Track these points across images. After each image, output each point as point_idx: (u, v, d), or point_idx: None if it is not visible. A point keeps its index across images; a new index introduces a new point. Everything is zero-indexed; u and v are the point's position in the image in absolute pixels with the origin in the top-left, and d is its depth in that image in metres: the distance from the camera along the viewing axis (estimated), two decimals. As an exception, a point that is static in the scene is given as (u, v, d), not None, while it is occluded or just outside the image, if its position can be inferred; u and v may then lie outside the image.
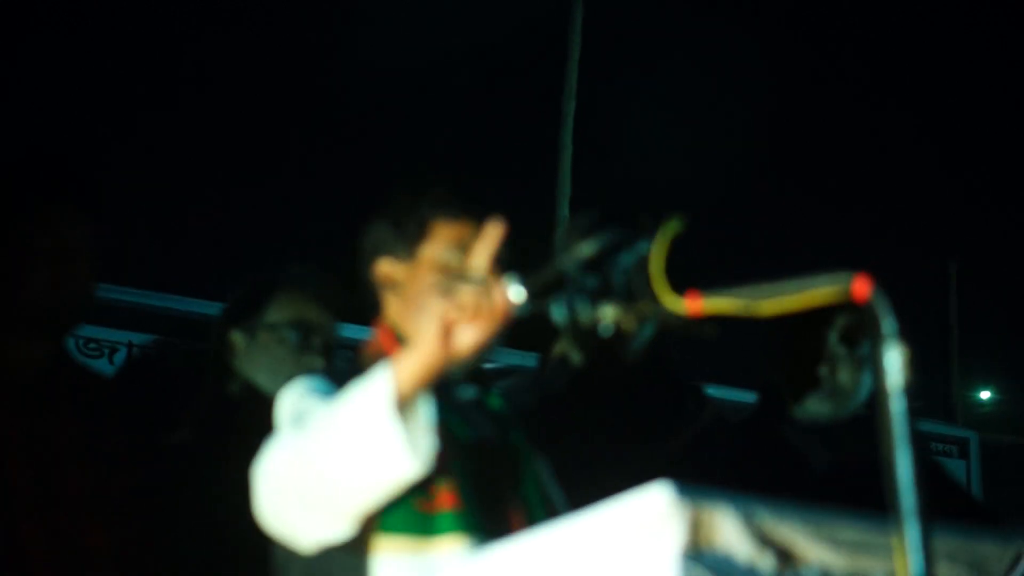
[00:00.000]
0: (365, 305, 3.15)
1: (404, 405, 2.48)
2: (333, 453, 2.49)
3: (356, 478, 2.50)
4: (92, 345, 4.25)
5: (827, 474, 3.96)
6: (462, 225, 3.03)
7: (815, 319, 4.04)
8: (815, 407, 4.06)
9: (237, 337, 3.81)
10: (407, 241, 3.04)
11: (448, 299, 2.44)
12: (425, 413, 2.52)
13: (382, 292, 3.09)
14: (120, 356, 4.26)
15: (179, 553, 3.44)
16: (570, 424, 3.68)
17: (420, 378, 2.46)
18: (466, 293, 2.45)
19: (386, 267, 3.07)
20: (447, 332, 2.44)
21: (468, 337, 2.46)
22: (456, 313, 2.44)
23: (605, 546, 2.09)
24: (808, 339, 4.07)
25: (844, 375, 4.05)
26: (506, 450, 3.00)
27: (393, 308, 3.08)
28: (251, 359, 3.79)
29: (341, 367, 3.05)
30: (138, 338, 4.30)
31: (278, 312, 3.80)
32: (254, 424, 3.62)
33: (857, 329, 4.06)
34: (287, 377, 3.60)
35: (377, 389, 2.46)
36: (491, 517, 2.82)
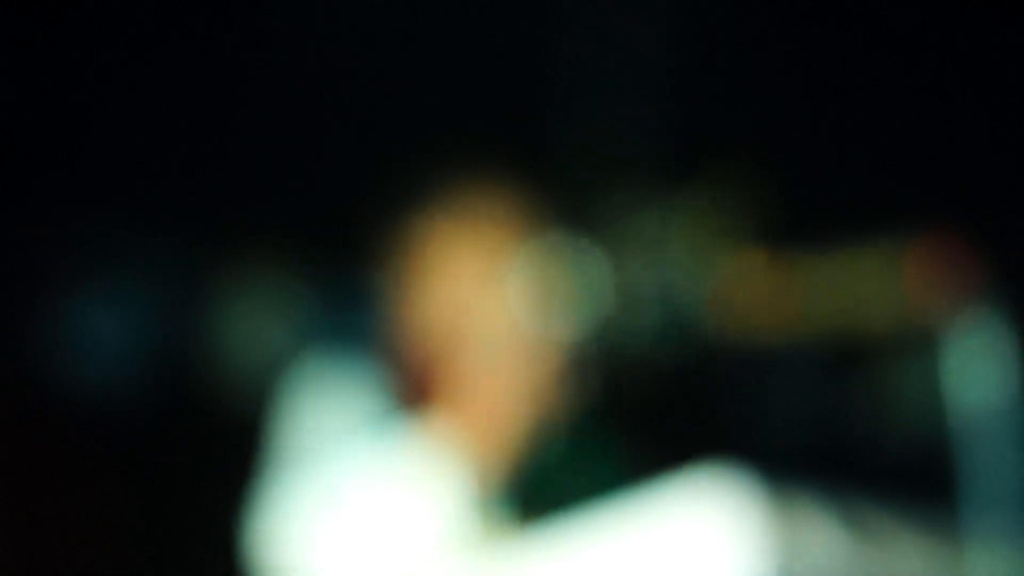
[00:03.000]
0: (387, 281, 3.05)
1: None
2: None
3: None
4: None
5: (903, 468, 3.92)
6: (482, 182, 2.93)
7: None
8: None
9: (222, 302, 3.72)
10: (430, 208, 2.93)
11: None
12: None
13: (406, 264, 2.98)
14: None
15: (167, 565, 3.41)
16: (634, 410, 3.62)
17: None
18: None
19: (410, 236, 2.96)
20: None
21: None
22: None
23: (677, 533, 2.04)
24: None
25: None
26: (574, 443, 2.92)
27: (420, 280, 2.95)
28: (238, 324, 3.72)
29: (375, 385, 2.95)
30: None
31: (261, 275, 3.72)
32: (239, 428, 3.57)
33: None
34: (275, 343, 3.58)
35: None
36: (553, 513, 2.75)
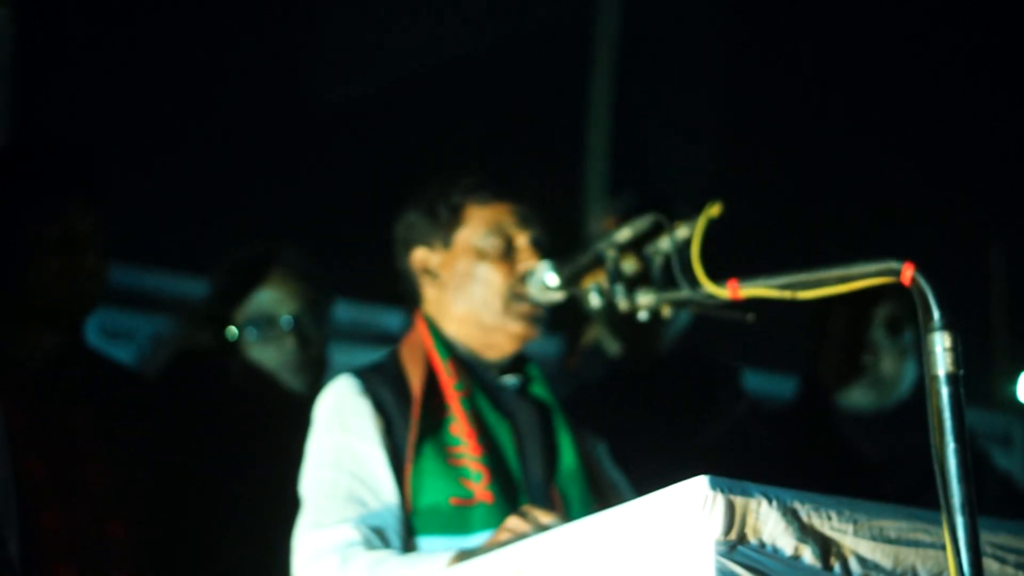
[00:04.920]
0: (402, 292, 3.12)
1: None
2: None
3: None
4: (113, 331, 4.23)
5: (880, 467, 3.90)
6: (496, 208, 3.00)
7: (858, 307, 3.98)
8: (858, 397, 4.00)
9: (234, 330, 3.69)
10: (442, 228, 3.01)
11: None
12: None
13: (419, 280, 3.06)
14: (142, 340, 4.21)
15: (197, 544, 3.43)
16: (606, 415, 3.63)
17: None
18: (519, 524, 2.61)
19: (422, 256, 3.04)
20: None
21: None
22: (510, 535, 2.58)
23: (641, 537, 2.07)
24: (851, 328, 4.01)
25: (887, 364, 3.99)
26: (544, 439, 2.97)
27: (431, 296, 3.04)
28: (253, 351, 3.69)
29: (383, 365, 3.02)
30: (160, 322, 4.24)
31: (277, 303, 3.70)
32: (266, 414, 3.62)
33: (901, 317, 4.00)
34: (294, 368, 3.62)
35: None
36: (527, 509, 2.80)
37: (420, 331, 3.00)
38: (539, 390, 3.04)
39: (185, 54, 4.48)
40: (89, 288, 3.31)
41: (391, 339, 3.40)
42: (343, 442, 2.86)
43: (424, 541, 2.80)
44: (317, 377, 3.65)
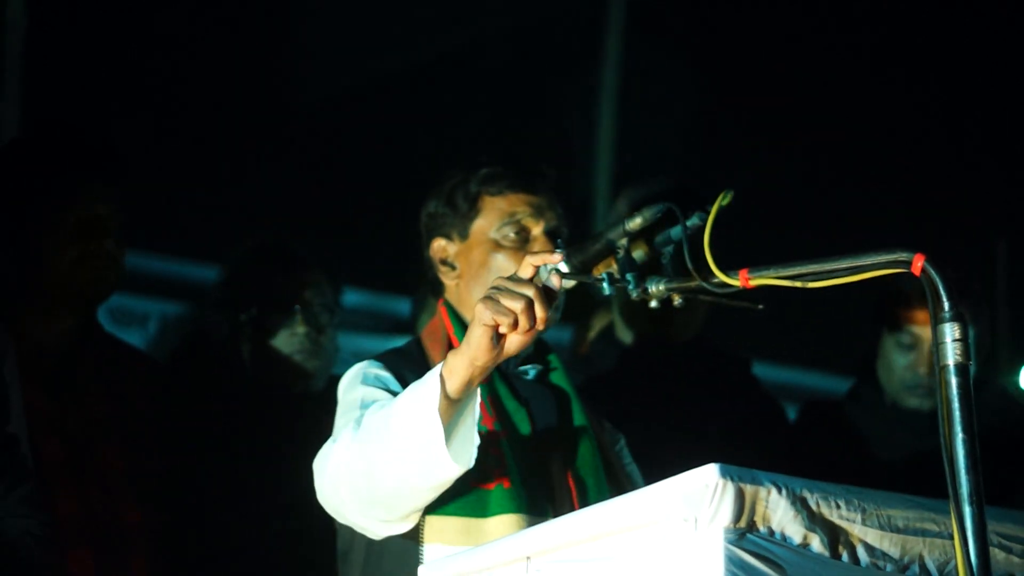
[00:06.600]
0: (428, 280, 3.15)
1: (453, 406, 2.54)
2: (383, 458, 2.59)
3: (404, 481, 2.59)
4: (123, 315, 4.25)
5: (898, 462, 3.91)
6: (511, 199, 3.02)
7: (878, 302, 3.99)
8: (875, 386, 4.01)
9: (247, 319, 3.70)
10: (460, 219, 3.03)
11: (495, 304, 2.47)
12: (473, 413, 2.58)
13: (439, 270, 3.08)
14: (152, 326, 4.24)
15: (212, 527, 3.45)
16: (618, 402, 3.64)
17: (467, 380, 2.51)
18: (513, 300, 2.48)
19: (440, 246, 3.06)
20: (493, 334, 2.49)
21: (514, 340, 2.51)
22: (502, 319, 2.47)
23: (651, 524, 2.08)
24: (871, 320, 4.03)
25: (885, 354, 3.99)
26: (562, 427, 2.98)
27: (450, 285, 3.06)
28: (265, 338, 3.71)
29: (405, 349, 3.03)
30: (170, 308, 4.27)
31: (291, 293, 3.70)
32: (278, 399, 3.64)
33: (900, 308, 4.00)
34: (305, 354, 3.63)
35: (424, 396, 2.52)
36: (543, 494, 2.82)
37: (442, 318, 3.02)
38: (558, 379, 3.05)
39: (197, 41, 4.49)
40: (107, 273, 3.34)
41: (399, 326, 3.42)
42: (366, 392, 2.85)
43: (439, 520, 2.80)
44: (327, 363, 3.67)
